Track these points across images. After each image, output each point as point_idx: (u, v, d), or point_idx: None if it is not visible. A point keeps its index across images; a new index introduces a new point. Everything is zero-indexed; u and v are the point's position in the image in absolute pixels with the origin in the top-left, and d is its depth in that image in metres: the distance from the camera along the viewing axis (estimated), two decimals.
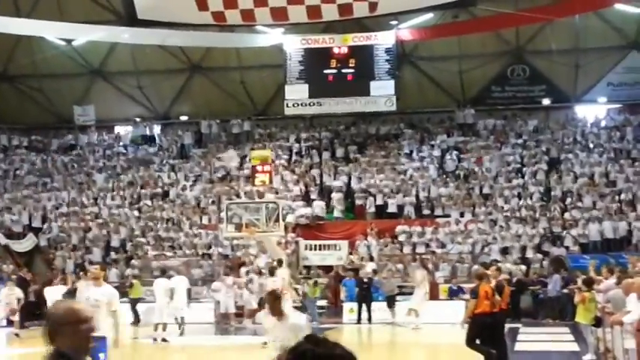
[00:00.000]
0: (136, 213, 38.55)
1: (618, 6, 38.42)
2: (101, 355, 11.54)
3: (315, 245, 34.94)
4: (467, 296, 26.64)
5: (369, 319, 28.68)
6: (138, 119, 46.45)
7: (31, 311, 28.28)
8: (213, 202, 38.14)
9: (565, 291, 27.75)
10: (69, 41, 42.39)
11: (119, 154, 44.88)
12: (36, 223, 38.51)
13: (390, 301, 29.05)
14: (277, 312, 9.92)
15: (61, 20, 36.84)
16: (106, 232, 37.25)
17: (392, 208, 36.58)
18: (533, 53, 42.29)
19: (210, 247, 35.34)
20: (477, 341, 15.94)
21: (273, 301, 10.16)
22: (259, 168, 33.66)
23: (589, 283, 18.18)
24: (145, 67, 44.76)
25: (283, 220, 31.36)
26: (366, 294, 29.33)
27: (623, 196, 34.66)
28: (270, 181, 34.79)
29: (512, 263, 31.46)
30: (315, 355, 3.29)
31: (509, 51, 42.82)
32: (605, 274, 19.96)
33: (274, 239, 31.63)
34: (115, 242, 36.73)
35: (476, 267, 25.75)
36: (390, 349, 24.88)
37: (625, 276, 17.97)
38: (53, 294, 23.67)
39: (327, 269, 33.45)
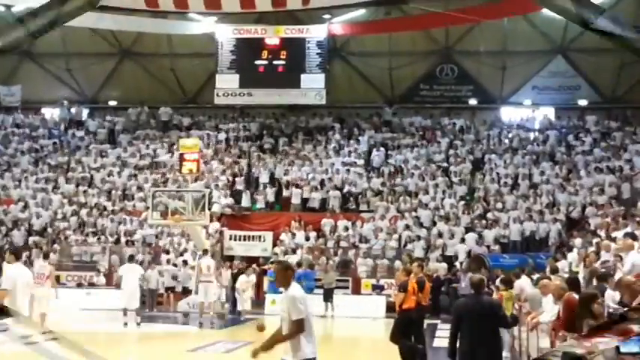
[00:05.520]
0: (60, 197, 38.06)
1: (546, 11, 39.09)
2: None
3: (240, 236, 35.01)
4: (389, 292, 27.15)
5: None
6: (65, 102, 45.77)
7: None
8: (139, 189, 37.91)
9: None
10: None
11: (45, 136, 44.18)
12: None
13: (328, 294, 29.24)
14: (284, 283, 9.41)
15: None
16: (28, 215, 36.77)
17: (317, 202, 36.76)
18: (461, 53, 42.75)
19: (134, 234, 35.15)
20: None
21: (281, 270, 9.57)
22: (187, 156, 33.82)
23: (507, 283, 18.70)
24: (75, 50, 44.19)
25: (209, 209, 31.45)
26: None
27: (544, 198, 35.37)
28: (198, 170, 34.96)
29: (435, 260, 31.91)
30: None
31: (439, 50, 43.18)
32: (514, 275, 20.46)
33: (200, 228, 31.69)
34: (36, 226, 36.25)
35: (398, 262, 26.09)
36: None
37: (542, 277, 18.46)
38: None
39: (251, 260, 33.53)
